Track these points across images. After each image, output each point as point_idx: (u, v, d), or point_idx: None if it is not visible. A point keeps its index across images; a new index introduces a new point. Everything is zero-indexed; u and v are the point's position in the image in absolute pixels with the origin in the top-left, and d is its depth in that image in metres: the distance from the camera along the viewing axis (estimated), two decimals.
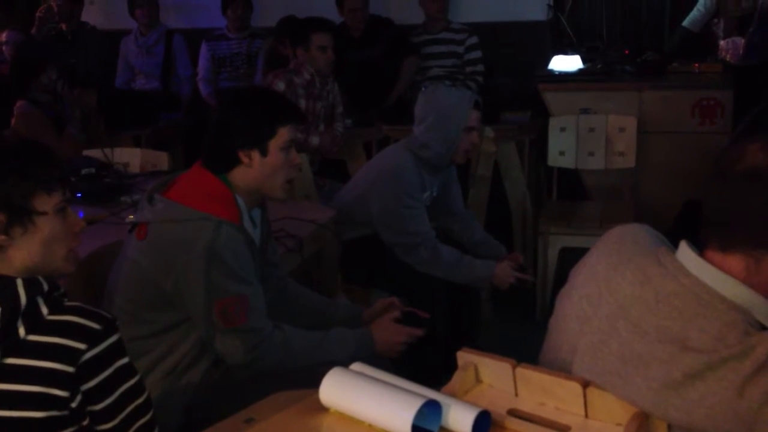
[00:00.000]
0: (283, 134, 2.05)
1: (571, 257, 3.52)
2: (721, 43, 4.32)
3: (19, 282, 1.33)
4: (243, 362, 2.00)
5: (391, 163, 3.04)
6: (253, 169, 2.03)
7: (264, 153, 2.03)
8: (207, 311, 1.95)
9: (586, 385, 1.30)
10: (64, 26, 5.38)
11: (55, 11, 5.39)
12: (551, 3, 4.87)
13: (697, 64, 4.28)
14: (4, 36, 5.55)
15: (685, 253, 1.32)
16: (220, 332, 1.97)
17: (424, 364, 2.78)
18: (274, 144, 2.04)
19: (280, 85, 3.97)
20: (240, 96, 2.20)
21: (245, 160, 2.03)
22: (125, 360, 1.40)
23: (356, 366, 1.40)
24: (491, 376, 1.40)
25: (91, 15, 5.69)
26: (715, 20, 4.43)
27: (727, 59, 4.25)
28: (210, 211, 1.96)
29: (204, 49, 5.26)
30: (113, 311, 1.98)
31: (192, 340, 2.01)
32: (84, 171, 3.25)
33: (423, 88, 4.37)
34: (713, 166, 1.32)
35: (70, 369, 1.31)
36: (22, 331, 1.31)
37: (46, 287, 1.36)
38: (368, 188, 3.04)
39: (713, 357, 1.21)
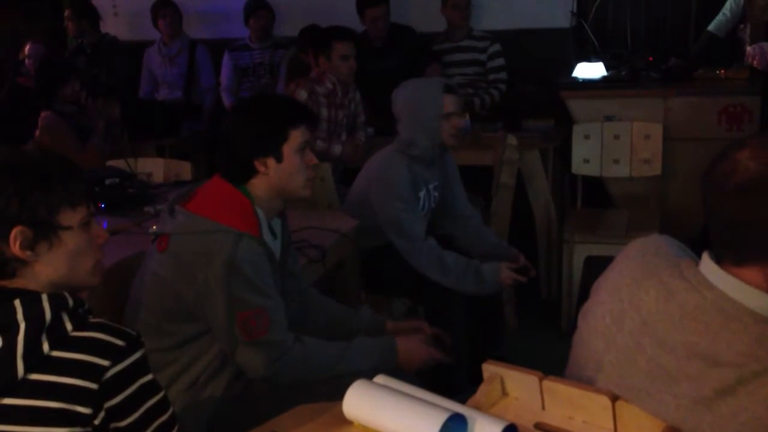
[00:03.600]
0: (296, 137, 2.04)
1: (596, 266, 3.49)
2: (748, 48, 4.25)
3: (44, 297, 1.33)
4: (264, 375, 1.99)
5: (381, 171, 3.03)
6: (271, 177, 2.03)
7: (279, 159, 2.02)
8: (228, 324, 1.94)
9: (615, 398, 1.27)
10: (84, 40, 5.42)
11: (71, 30, 5.44)
12: (574, 10, 4.84)
13: (723, 70, 4.23)
14: (27, 49, 5.61)
15: (707, 265, 1.29)
16: (241, 345, 1.96)
17: (447, 376, 2.75)
18: (288, 148, 2.03)
19: (302, 94, 3.97)
20: (248, 105, 2.19)
21: (261, 168, 2.02)
22: (149, 377, 1.39)
23: (380, 378, 1.38)
24: (518, 388, 1.38)
25: (115, 27, 5.75)
26: (742, 26, 4.37)
27: (754, 65, 4.19)
28: (229, 223, 1.95)
29: (227, 59, 5.29)
30: (136, 323, 1.98)
31: (214, 352, 2.01)
32: (108, 181, 3.26)
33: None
34: (704, 180, 1.29)
35: (93, 386, 1.30)
36: (46, 347, 1.30)
37: (71, 303, 1.35)
38: (366, 197, 3.03)
39: (744, 371, 1.18)
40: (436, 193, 3.13)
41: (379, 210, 2.96)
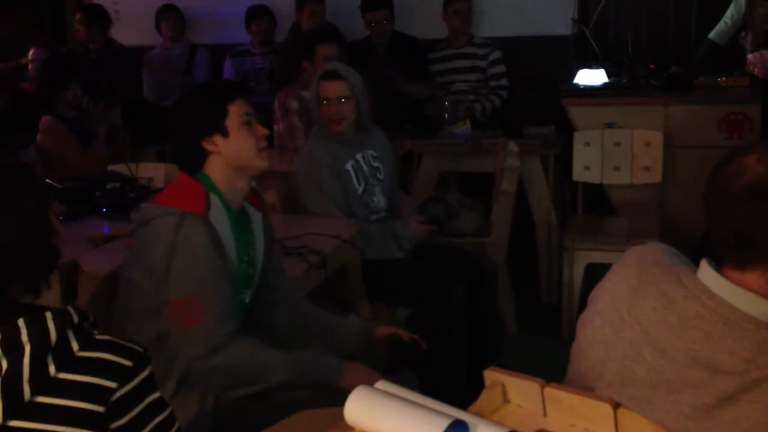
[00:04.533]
0: (236, 110, 2.06)
1: (597, 273, 3.48)
2: (749, 56, 4.26)
3: (49, 315, 1.29)
4: (196, 363, 1.93)
5: (301, 155, 3.21)
6: (222, 154, 2.05)
7: (225, 134, 2.04)
8: (163, 308, 1.92)
9: (616, 406, 1.27)
10: (92, 45, 5.43)
11: (82, 34, 5.44)
12: (576, 17, 4.85)
13: (724, 78, 4.24)
14: (31, 54, 5.61)
15: (706, 272, 1.29)
16: (174, 330, 1.93)
17: (445, 382, 2.75)
18: (231, 121, 2.05)
19: (293, 104, 4.00)
20: (185, 93, 2.25)
21: (211, 147, 2.04)
22: (156, 395, 1.37)
23: (381, 384, 1.38)
24: (519, 395, 1.38)
25: (117, 31, 5.75)
26: (743, 34, 4.38)
27: (755, 73, 4.19)
28: (174, 204, 1.97)
29: (228, 65, 5.30)
30: (121, 333, 1.95)
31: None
32: (109, 186, 3.27)
33: (445, 106, 4.37)
34: (710, 184, 1.29)
35: (100, 408, 1.28)
36: (52, 369, 1.27)
37: (76, 318, 1.33)
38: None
39: (746, 379, 1.18)
40: (378, 164, 3.20)
41: (310, 197, 3.05)
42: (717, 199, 1.28)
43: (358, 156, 3.13)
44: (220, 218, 2.02)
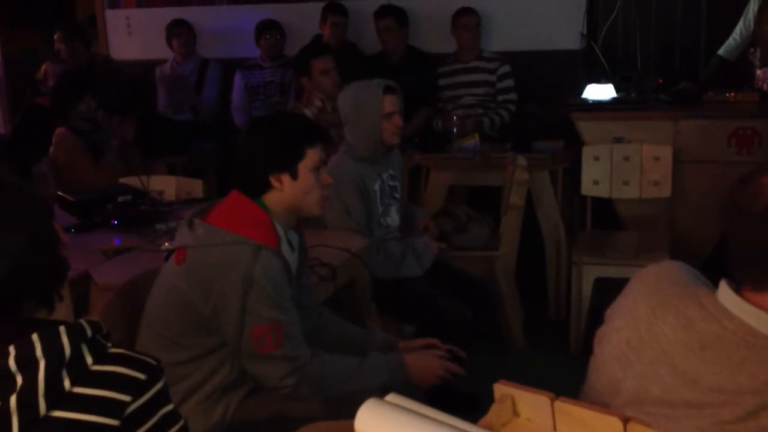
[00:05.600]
0: (312, 155, 2.07)
1: (606, 288, 3.49)
2: (758, 72, 4.28)
3: (62, 330, 1.30)
4: (278, 387, 2.00)
5: (332, 169, 3.12)
6: (285, 193, 2.06)
7: (294, 176, 2.05)
8: (243, 337, 1.95)
9: (626, 420, 1.27)
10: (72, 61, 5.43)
11: (63, 52, 5.46)
12: (584, 32, 4.87)
13: (733, 93, 4.24)
14: (44, 69, 5.66)
15: (726, 293, 1.28)
16: (255, 358, 1.98)
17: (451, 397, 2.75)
18: (304, 166, 2.06)
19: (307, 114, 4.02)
20: (266, 121, 2.24)
21: (276, 184, 2.05)
22: (170, 407, 1.38)
23: (391, 397, 1.39)
24: (529, 409, 1.38)
25: (129, 45, 5.80)
26: (752, 49, 4.39)
27: (764, 88, 4.21)
28: (249, 235, 1.97)
29: (238, 78, 5.33)
30: (151, 338, 1.99)
31: (230, 365, 2.02)
32: (120, 198, 3.29)
33: (454, 120, 4.38)
34: (729, 203, 1.29)
35: (114, 422, 1.29)
36: (67, 383, 1.28)
37: (89, 332, 1.33)
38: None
39: (766, 398, 1.18)
40: (395, 183, 3.19)
41: (334, 213, 3.01)
42: (735, 219, 1.27)
43: (384, 176, 3.13)
44: (283, 247, 2.07)
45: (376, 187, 3.08)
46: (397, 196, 3.20)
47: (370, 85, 3.07)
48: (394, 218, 3.19)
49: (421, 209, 3.59)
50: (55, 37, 5.47)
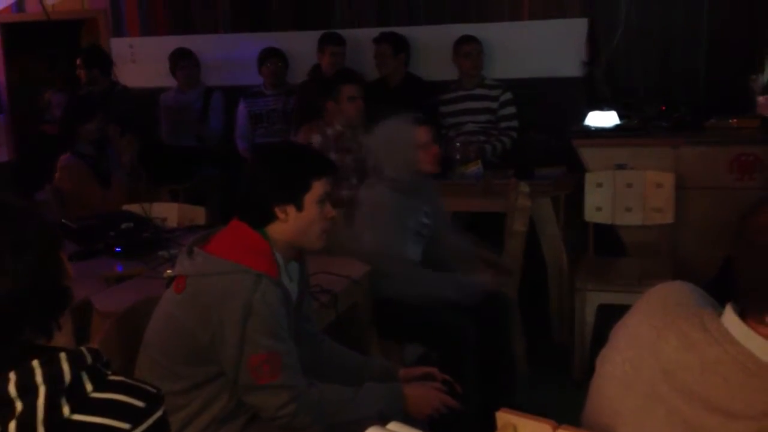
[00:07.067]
0: (318, 188, 2.07)
1: (608, 314, 3.47)
2: (760, 98, 4.29)
3: (63, 356, 1.30)
4: (275, 417, 1.99)
5: (369, 201, 3.12)
6: (289, 224, 2.05)
7: (300, 208, 2.05)
8: (240, 366, 1.94)
9: None
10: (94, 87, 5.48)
11: (83, 78, 5.50)
12: (586, 59, 4.89)
13: (734, 120, 4.25)
14: (47, 97, 5.69)
15: (730, 318, 1.28)
16: (253, 388, 1.97)
17: (457, 423, 2.73)
18: (310, 198, 2.06)
19: (316, 138, 4.03)
20: (273, 151, 2.23)
21: (281, 215, 2.04)
22: None
23: (393, 426, 1.38)
24: None
25: (132, 73, 5.83)
26: (753, 76, 4.41)
27: (766, 114, 4.22)
28: (249, 264, 1.97)
29: (242, 106, 5.36)
30: (150, 366, 1.98)
31: (228, 395, 2.00)
32: (123, 225, 3.29)
33: (457, 147, 4.40)
34: (736, 234, 1.28)
35: None
36: (66, 410, 1.27)
37: (89, 359, 1.33)
38: (363, 227, 3.10)
39: (763, 424, 1.17)
40: (427, 221, 3.18)
41: (371, 238, 3.01)
42: (743, 249, 1.27)
43: (419, 213, 3.14)
44: (283, 277, 2.07)
45: (410, 222, 3.09)
46: (425, 233, 3.19)
47: (399, 118, 3.11)
48: (417, 254, 3.18)
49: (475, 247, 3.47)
50: (77, 63, 5.51)
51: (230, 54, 5.69)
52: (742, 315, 1.27)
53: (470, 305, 2.99)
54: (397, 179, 3.06)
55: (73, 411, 1.28)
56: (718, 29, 4.72)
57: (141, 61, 5.90)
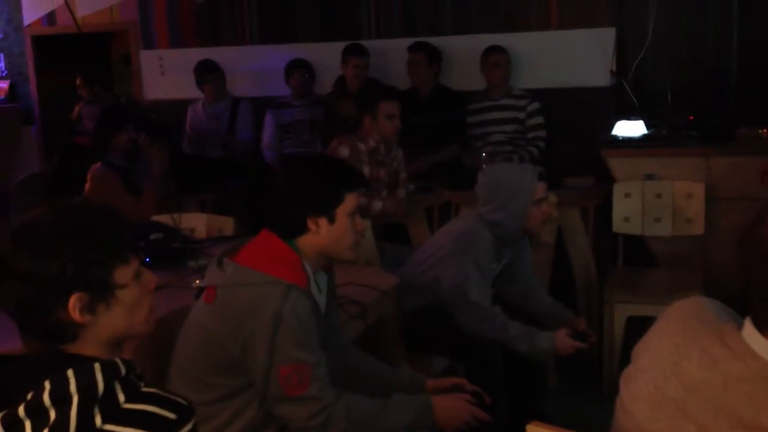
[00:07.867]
0: (351, 200, 2.07)
1: (638, 326, 3.44)
2: None
3: (97, 367, 1.31)
4: (304, 429, 1.99)
5: (466, 232, 3.05)
6: (320, 236, 2.06)
7: (332, 220, 2.05)
8: (270, 377, 1.95)
9: None
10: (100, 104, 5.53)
11: (85, 95, 5.55)
12: (614, 69, 4.87)
13: (765, 130, 4.20)
14: (78, 110, 5.76)
15: (750, 332, 1.26)
16: (282, 399, 1.97)
17: None
18: (342, 210, 2.06)
19: (344, 151, 4.03)
20: (306, 163, 2.23)
21: (313, 227, 2.05)
22: None
23: None
24: None
25: (161, 85, 5.89)
26: None
27: None
28: (279, 274, 1.98)
29: (269, 117, 5.39)
30: (180, 377, 1.99)
31: (256, 407, 2.01)
32: (152, 236, 3.31)
33: (483, 157, 4.38)
34: (741, 244, 1.26)
35: None
36: (98, 420, 1.29)
37: (123, 370, 1.34)
38: (442, 253, 3.05)
39: None
40: (499, 270, 3.16)
41: (453, 265, 2.97)
42: (751, 257, 1.25)
43: (500, 263, 3.12)
44: (312, 288, 2.07)
45: (494, 266, 3.08)
46: (491, 281, 3.15)
47: (526, 169, 3.07)
48: (488, 298, 3.12)
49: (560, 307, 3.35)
50: (77, 82, 5.55)
51: (258, 65, 5.73)
52: (761, 327, 1.26)
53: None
54: (502, 225, 3.01)
55: (105, 421, 1.29)
56: (749, 37, 4.68)
57: (170, 73, 5.96)
